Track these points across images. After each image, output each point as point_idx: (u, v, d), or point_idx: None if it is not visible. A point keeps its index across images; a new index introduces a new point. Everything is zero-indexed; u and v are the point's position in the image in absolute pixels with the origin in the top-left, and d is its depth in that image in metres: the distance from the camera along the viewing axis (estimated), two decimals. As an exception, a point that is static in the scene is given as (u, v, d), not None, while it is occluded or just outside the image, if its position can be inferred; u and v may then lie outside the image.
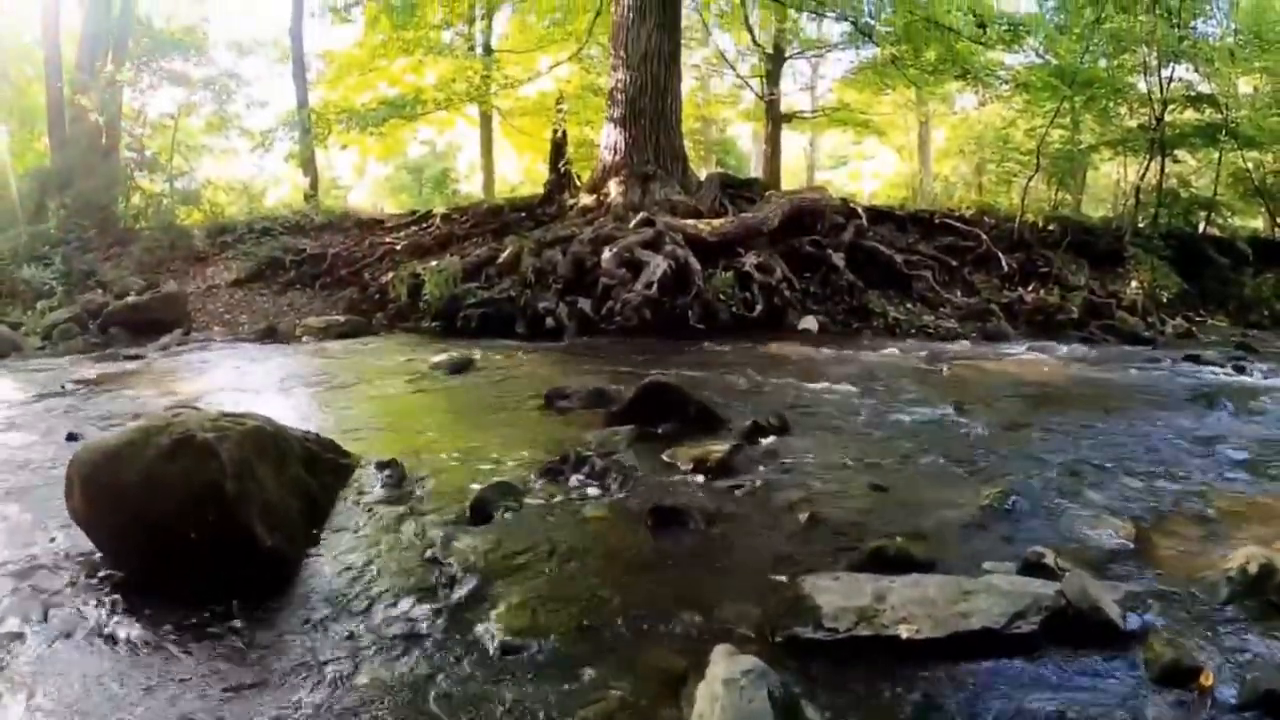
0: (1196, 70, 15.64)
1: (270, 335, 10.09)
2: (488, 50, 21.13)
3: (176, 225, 15.40)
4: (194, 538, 2.63)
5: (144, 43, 16.95)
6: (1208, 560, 2.90)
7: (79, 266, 13.11)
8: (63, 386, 6.66)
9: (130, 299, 11.26)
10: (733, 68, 22.68)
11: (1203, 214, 15.72)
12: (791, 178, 25.08)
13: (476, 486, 3.54)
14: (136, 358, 8.57)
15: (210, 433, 2.77)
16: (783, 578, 2.75)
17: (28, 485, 3.80)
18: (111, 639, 2.42)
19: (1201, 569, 2.83)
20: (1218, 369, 7.80)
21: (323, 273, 12.64)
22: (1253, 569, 2.65)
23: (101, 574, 2.79)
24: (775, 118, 20.87)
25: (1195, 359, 8.26)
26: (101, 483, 2.76)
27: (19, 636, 2.44)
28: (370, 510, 3.35)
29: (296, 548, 2.86)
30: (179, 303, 11.41)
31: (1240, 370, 7.77)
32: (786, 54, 21.09)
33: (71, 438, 4.56)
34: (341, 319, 10.52)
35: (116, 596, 2.64)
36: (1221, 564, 2.78)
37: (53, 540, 3.10)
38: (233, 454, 2.74)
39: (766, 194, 13.17)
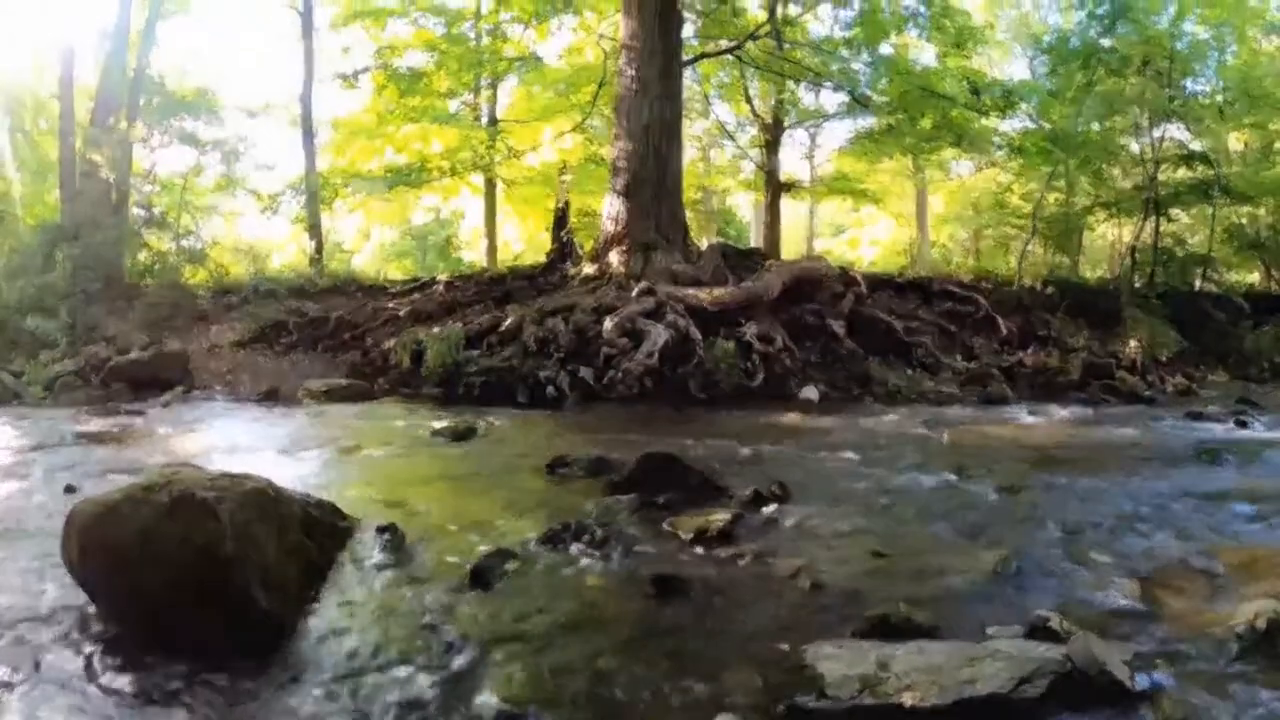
0: (1188, 129, 15.93)
1: (272, 396, 10.11)
2: (493, 120, 21.54)
3: (182, 283, 15.54)
4: (190, 596, 2.61)
5: (156, 101, 17.31)
6: (1216, 616, 2.87)
7: (84, 320, 13.20)
8: (63, 438, 6.67)
9: (133, 355, 11.34)
10: (732, 138, 23.10)
11: (1198, 270, 15.86)
12: (791, 246, 25.35)
13: (477, 553, 3.51)
14: (138, 413, 8.59)
15: (210, 492, 2.76)
16: (785, 646, 2.72)
17: (24, 535, 3.80)
18: (102, 692, 2.40)
19: (1210, 625, 2.80)
20: (1219, 424, 7.82)
21: (325, 336, 12.71)
22: (1261, 624, 2.63)
23: (95, 627, 2.77)
24: (774, 187, 21.16)
25: (1196, 415, 8.27)
26: (99, 537, 2.75)
27: (8, 686, 2.42)
28: (369, 575, 3.32)
29: (293, 610, 2.83)
30: (182, 361, 11.47)
31: (1242, 425, 7.78)
32: (785, 124, 21.47)
33: (70, 490, 4.57)
34: (343, 383, 10.54)
35: (109, 650, 2.62)
36: (1230, 619, 2.75)
37: (47, 591, 3.08)
38: (232, 514, 2.73)
39: (767, 263, 13.31)
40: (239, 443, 6.89)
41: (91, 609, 2.87)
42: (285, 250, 23.52)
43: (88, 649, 2.64)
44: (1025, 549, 3.70)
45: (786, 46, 16.69)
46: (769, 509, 4.42)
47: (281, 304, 13.84)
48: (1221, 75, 16.17)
